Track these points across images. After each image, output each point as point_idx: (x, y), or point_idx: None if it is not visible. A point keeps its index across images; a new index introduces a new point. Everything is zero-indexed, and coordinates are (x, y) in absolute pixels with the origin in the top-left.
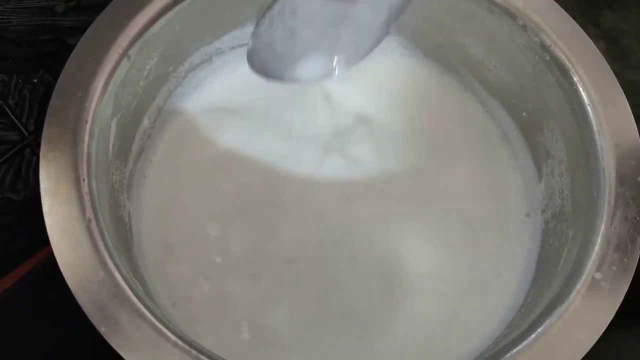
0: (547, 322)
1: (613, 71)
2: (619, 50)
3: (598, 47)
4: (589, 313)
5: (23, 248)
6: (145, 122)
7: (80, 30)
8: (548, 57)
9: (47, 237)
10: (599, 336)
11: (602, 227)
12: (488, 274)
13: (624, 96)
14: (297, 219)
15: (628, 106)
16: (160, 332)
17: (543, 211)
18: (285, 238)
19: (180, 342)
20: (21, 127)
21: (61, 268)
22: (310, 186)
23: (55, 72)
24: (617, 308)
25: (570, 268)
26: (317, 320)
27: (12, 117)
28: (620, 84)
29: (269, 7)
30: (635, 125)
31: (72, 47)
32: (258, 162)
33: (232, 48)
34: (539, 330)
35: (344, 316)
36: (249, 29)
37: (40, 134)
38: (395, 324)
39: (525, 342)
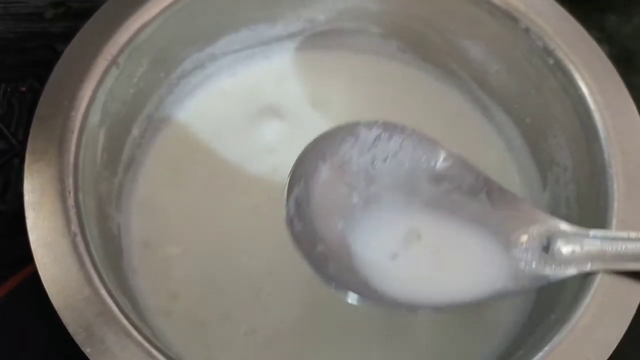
0: (555, 339)
1: None
2: (622, 53)
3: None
4: (598, 330)
5: (12, 261)
6: (135, 131)
7: (70, 37)
8: (552, 61)
9: None
10: (609, 354)
11: None
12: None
13: (632, 101)
14: None
15: (636, 111)
16: (148, 352)
17: None
18: (286, 250)
19: None
20: (10, 137)
21: (45, 284)
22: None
23: (44, 79)
24: (628, 324)
25: (579, 282)
26: (323, 336)
27: (1, 126)
28: None
29: None
30: None
31: (61, 54)
32: (256, 172)
33: (225, 54)
34: (545, 348)
35: (349, 328)
36: (242, 34)
37: None
38: (393, 339)
39: None
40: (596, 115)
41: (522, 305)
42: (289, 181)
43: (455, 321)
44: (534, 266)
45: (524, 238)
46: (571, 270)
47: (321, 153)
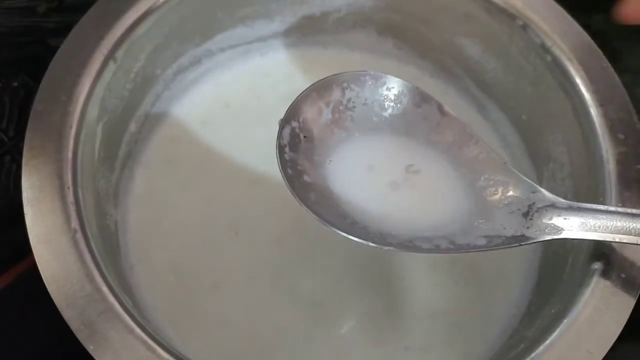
0: (556, 333)
1: None
2: (608, 52)
3: None
4: (599, 323)
5: (1, 260)
6: (132, 126)
7: (63, 31)
8: (549, 58)
9: (27, 249)
10: (609, 347)
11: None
12: (488, 281)
13: (628, 97)
14: (294, 226)
15: (632, 107)
16: (152, 349)
17: None
18: (283, 247)
19: None
20: (1, 133)
21: (45, 282)
22: None
23: (37, 75)
24: (628, 317)
25: (578, 277)
26: (314, 336)
27: None
28: None
29: None
30: None
31: (54, 49)
32: (251, 166)
33: (222, 50)
34: (546, 342)
35: (345, 326)
36: (239, 30)
37: (20, 140)
38: (393, 331)
39: (532, 355)
40: (593, 112)
41: (520, 299)
42: (287, 113)
43: (452, 316)
44: (512, 228)
45: (499, 196)
46: (546, 236)
47: (325, 96)
